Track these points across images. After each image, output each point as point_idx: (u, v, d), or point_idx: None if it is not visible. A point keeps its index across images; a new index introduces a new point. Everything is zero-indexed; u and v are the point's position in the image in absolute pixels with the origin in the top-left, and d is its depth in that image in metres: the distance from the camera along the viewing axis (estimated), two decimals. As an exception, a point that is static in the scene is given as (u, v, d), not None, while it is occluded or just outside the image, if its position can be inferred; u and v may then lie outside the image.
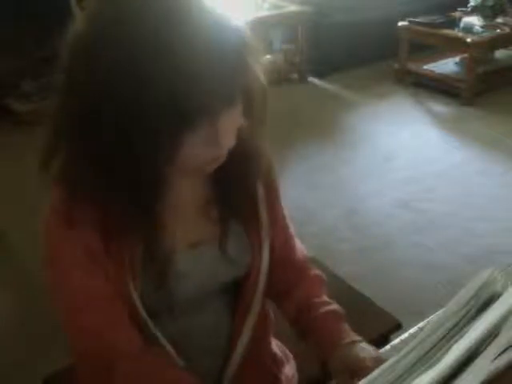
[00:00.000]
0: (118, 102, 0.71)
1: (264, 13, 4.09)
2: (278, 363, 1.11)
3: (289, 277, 1.04)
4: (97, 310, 0.84)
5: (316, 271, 1.07)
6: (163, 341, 0.89)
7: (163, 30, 0.69)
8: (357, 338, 0.94)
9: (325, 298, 1.02)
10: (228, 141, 0.78)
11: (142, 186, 0.78)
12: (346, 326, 0.97)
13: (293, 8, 4.23)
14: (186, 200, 0.90)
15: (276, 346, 1.13)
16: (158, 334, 0.89)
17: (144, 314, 0.87)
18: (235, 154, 0.84)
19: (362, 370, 0.85)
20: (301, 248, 1.08)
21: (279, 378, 1.09)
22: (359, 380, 0.73)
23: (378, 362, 0.82)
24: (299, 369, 1.15)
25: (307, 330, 0.99)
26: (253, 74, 0.79)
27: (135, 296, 0.85)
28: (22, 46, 3.77)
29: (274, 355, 1.11)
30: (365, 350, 0.91)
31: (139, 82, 0.69)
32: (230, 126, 0.77)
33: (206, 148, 0.76)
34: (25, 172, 3.18)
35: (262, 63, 0.82)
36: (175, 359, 0.91)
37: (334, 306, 1.00)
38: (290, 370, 1.13)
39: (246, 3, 3.91)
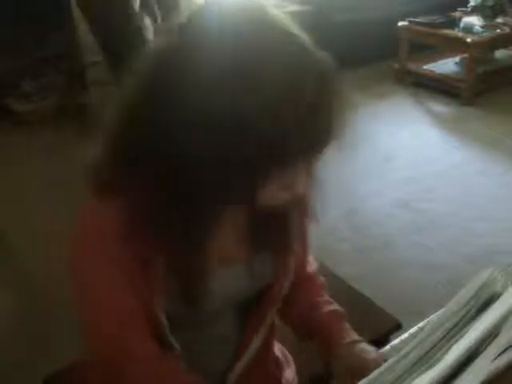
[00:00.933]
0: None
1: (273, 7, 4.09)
2: (280, 367, 1.11)
3: (296, 288, 1.04)
4: (117, 326, 0.83)
5: (317, 275, 1.07)
6: (177, 348, 0.89)
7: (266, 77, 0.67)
8: (357, 337, 0.95)
9: (326, 297, 1.03)
10: (304, 186, 0.78)
11: (197, 224, 0.78)
12: (347, 326, 0.98)
13: (293, 8, 4.23)
14: (228, 229, 0.89)
15: (278, 349, 1.14)
16: (174, 342, 0.89)
17: (166, 325, 0.86)
18: None
19: (363, 370, 0.85)
20: (312, 262, 1.09)
21: (280, 381, 1.09)
22: (359, 380, 0.73)
23: (379, 362, 0.83)
24: (299, 371, 1.15)
25: (309, 330, 1.00)
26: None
27: (160, 310, 0.84)
28: (22, 46, 3.77)
29: (277, 359, 1.11)
30: (366, 350, 0.92)
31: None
32: (305, 171, 0.78)
33: (282, 191, 0.77)
34: (25, 172, 3.19)
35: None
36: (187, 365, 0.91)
37: (335, 306, 1.01)
38: (290, 373, 1.13)
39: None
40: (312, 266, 1.08)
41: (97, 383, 0.95)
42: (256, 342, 0.98)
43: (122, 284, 0.81)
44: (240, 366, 0.98)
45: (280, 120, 0.66)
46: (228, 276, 0.91)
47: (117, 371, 0.85)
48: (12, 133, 3.60)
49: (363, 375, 0.85)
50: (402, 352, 0.66)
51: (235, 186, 0.72)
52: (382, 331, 1.31)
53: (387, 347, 0.98)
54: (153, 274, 0.81)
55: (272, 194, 0.76)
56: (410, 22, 4.17)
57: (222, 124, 0.66)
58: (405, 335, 0.99)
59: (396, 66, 4.33)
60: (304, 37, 0.76)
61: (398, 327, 1.31)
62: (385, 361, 0.84)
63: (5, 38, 3.67)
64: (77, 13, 3.79)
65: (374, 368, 0.79)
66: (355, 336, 0.95)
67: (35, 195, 2.92)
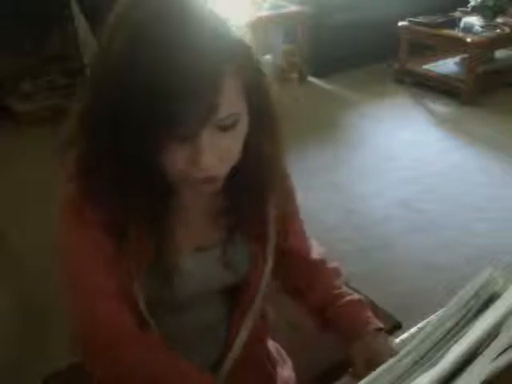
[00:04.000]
0: (108, 101, 0.74)
1: (264, 13, 4.09)
2: (272, 362, 1.12)
3: (307, 274, 1.05)
4: (97, 299, 0.86)
5: (333, 264, 1.08)
6: (156, 331, 0.91)
7: (151, 38, 0.70)
8: (380, 325, 0.96)
9: (345, 288, 1.03)
10: (212, 163, 0.75)
11: (148, 192, 0.80)
12: (370, 314, 0.98)
13: (293, 8, 4.23)
14: (196, 207, 0.91)
15: (272, 346, 1.14)
16: (152, 324, 0.90)
17: (144, 308, 0.88)
18: (246, 168, 0.84)
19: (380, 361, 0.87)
20: (317, 246, 1.09)
21: (274, 377, 1.09)
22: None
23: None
24: (298, 371, 1.15)
25: (331, 320, 1.00)
26: (248, 89, 0.77)
27: (138, 293, 0.86)
28: (22, 46, 3.77)
29: (269, 354, 1.12)
30: (385, 343, 0.93)
31: (125, 81, 0.71)
32: (214, 148, 0.75)
33: (187, 165, 0.76)
34: (25, 172, 3.19)
35: (267, 72, 0.81)
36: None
37: (357, 296, 1.01)
38: (286, 370, 1.13)
39: (246, 3, 3.91)
40: (318, 252, 1.08)
41: (97, 383, 0.95)
42: (243, 335, 0.98)
43: (96, 259, 0.84)
44: (230, 360, 0.98)
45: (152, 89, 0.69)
46: (201, 261, 0.92)
47: (101, 350, 0.86)
48: (12, 133, 3.61)
49: (375, 365, 0.87)
50: (402, 352, 0.66)
51: (130, 147, 0.75)
52: (382, 331, 1.31)
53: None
54: (126, 251, 0.84)
55: (180, 169, 0.76)
56: (410, 21, 4.17)
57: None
58: (405, 335, 0.99)
59: (396, 65, 4.33)
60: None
61: (397, 327, 1.31)
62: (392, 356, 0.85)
63: (5, 38, 3.67)
64: (77, 13, 3.79)
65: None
66: (378, 324, 0.96)
67: (35, 195, 2.92)
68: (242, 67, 0.75)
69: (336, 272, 1.07)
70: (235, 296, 0.99)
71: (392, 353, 0.89)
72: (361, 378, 0.90)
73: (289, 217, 1.01)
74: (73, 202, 0.83)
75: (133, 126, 0.72)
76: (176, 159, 0.75)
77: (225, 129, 0.75)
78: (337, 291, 1.02)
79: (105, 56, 0.76)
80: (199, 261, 0.92)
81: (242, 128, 0.79)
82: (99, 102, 0.76)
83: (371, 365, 0.87)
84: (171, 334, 0.92)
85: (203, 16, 0.73)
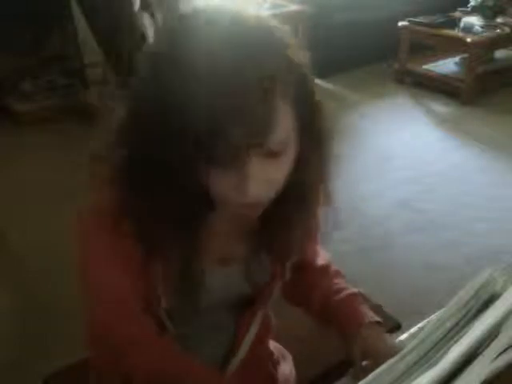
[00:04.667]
0: (151, 119, 0.71)
1: (264, 12, 4.08)
2: (274, 363, 1.12)
3: (311, 278, 1.05)
4: (116, 303, 0.85)
5: (335, 267, 1.08)
6: (173, 332, 0.91)
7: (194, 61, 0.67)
8: (377, 318, 0.96)
9: (343, 283, 1.04)
10: (258, 191, 0.71)
11: (186, 209, 0.77)
12: (366, 308, 0.99)
13: (293, 8, 4.23)
14: (229, 227, 0.89)
15: (274, 347, 1.15)
16: (170, 327, 0.91)
17: (164, 315, 0.88)
18: (289, 196, 0.80)
19: (377, 354, 0.89)
20: (323, 252, 1.09)
21: (275, 377, 1.10)
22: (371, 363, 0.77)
23: (394, 350, 0.84)
24: (298, 370, 1.15)
25: (330, 315, 1.00)
26: (300, 114, 0.73)
27: (162, 302, 0.86)
28: (22, 46, 3.77)
29: (271, 355, 1.12)
30: (382, 336, 0.93)
31: (179, 99, 0.67)
32: (262, 174, 0.71)
33: (232, 191, 0.72)
34: (25, 172, 3.19)
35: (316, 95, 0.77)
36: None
37: (356, 290, 1.02)
38: (287, 366, 1.14)
39: (245, 3, 3.91)
40: (324, 258, 1.08)
41: (97, 383, 0.95)
42: (250, 336, 0.99)
43: (122, 269, 0.82)
44: (236, 362, 0.99)
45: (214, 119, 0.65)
46: (225, 275, 0.91)
47: (119, 355, 0.86)
48: (12, 133, 3.61)
49: (375, 359, 0.87)
50: (402, 352, 0.66)
51: (175, 169, 0.72)
52: (382, 331, 1.31)
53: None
54: (154, 261, 0.82)
55: (223, 193, 0.74)
56: (410, 21, 4.17)
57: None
58: (405, 335, 0.99)
59: (396, 66, 4.33)
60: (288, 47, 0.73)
61: (397, 327, 1.31)
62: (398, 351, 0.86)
63: (5, 38, 3.67)
64: (77, 13, 3.80)
65: (388, 354, 0.81)
66: (374, 318, 0.96)
67: (35, 195, 2.92)
68: (295, 90, 0.71)
69: (338, 273, 1.07)
70: (246, 302, 0.99)
71: (388, 345, 0.91)
72: (358, 372, 0.91)
73: (311, 235, 1.00)
74: (107, 214, 0.79)
75: (179, 148, 0.69)
76: (220, 184, 0.72)
77: (274, 155, 0.71)
78: (336, 286, 1.02)
79: (147, 77, 0.72)
80: (222, 274, 0.91)
81: (291, 155, 0.74)
82: (138, 118, 0.73)
83: (368, 358, 0.90)
84: (183, 334, 0.93)
85: (248, 29, 0.70)
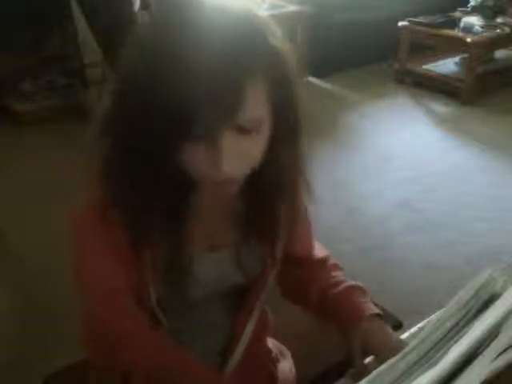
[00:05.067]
0: (130, 102, 0.74)
1: (263, 13, 4.08)
2: (273, 361, 1.12)
3: (308, 272, 1.05)
4: (108, 296, 0.87)
5: (334, 261, 1.08)
6: (166, 326, 0.92)
7: (175, 36, 0.70)
8: (377, 310, 0.96)
9: (343, 277, 1.03)
10: (231, 166, 0.74)
11: (168, 190, 0.80)
12: (368, 300, 0.98)
13: (292, 8, 4.23)
14: (214, 208, 0.91)
15: (272, 344, 1.15)
16: (162, 319, 0.92)
17: (155, 305, 0.89)
18: (266, 174, 0.83)
19: (376, 347, 0.89)
20: (320, 247, 1.10)
21: (275, 375, 1.10)
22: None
23: (395, 345, 0.86)
24: (298, 368, 1.15)
25: (330, 309, 1.00)
26: (275, 95, 0.76)
27: (152, 291, 0.87)
28: (22, 46, 3.77)
29: (270, 352, 1.12)
30: (382, 329, 0.93)
31: (151, 80, 0.71)
32: (234, 150, 0.74)
33: (207, 166, 0.75)
34: (25, 172, 3.19)
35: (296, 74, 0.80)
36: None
37: (355, 282, 1.01)
38: (286, 364, 1.14)
39: (245, 3, 3.91)
40: (321, 252, 1.09)
41: (97, 383, 0.95)
42: (246, 336, 0.99)
43: (113, 260, 0.85)
44: (233, 362, 0.99)
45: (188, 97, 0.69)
46: (214, 261, 0.92)
47: (115, 351, 0.87)
48: (12, 133, 3.61)
49: (377, 352, 0.88)
50: (402, 352, 0.66)
51: (151, 147, 0.74)
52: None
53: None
54: (144, 249, 0.84)
55: (199, 169, 0.76)
56: (410, 21, 4.17)
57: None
58: (405, 335, 0.99)
59: (396, 66, 4.33)
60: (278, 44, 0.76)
61: (398, 327, 1.31)
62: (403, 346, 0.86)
63: (5, 38, 3.67)
64: (77, 13, 3.79)
65: (389, 347, 0.83)
66: (372, 310, 0.95)
67: (35, 195, 2.92)
68: (269, 69, 0.74)
69: (336, 266, 1.07)
70: (240, 295, 1.00)
71: (390, 338, 0.91)
72: (358, 368, 0.91)
73: (299, 224, 1.00)
74: (96, 203, 0.82)
75: (154, 126, 0.72)
76: (196, 160, 0.75)
77: (246, 132, 0.74)
78: (334, 279, 1.02)
79: (127, 60, 0.76)
80: (213, 261, 0.92)
81: (264, 132, 0.77)
82: (122, 104, 0.77)
83: (369, 351, 0.91)
84: (177, 329, 0.94)
85: (231, 17, 0.73)
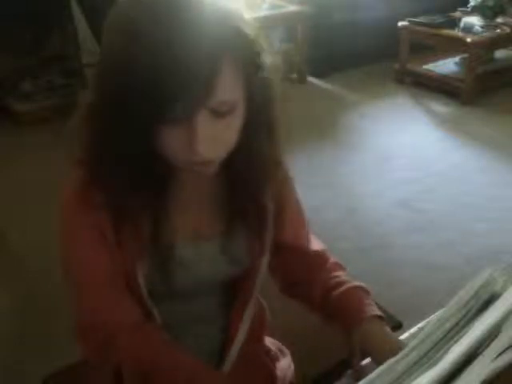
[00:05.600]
0: (109, 86, 0.76)
1: (263, 13, 4.09)
2: (272, 359, 1.12)
3: (307, 266, 1.05)
4: (98, 288, 0.89)
5: (335, 259, 1.08)
6: (158, 319, 0.93)
7: (155, 17, 0.72)
8: (378, 312, 0.96)
9: (346, 277, 1.03)
10: (207, 149, 0.76)
11: (147, 173, 0.82)
12: (370, 301, 0.98)
13: (292, 8, 4.23)
14: (192, 194, 0.92)
15: (270, 342, 1.15)
16: (155, 312, 0.92)
17: (146, 296, 0.90)
18: (243, 157, 0.85)
19: (376, 348, 0.89)
20: (318, 241, 1.10)
21: (274, 374, 1.10)
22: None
23: (395, 347, 0.85)
24: (298, 367, 1.15)
25: (332, 309, 1.00)
26: (248, 79, 0.78)
27: (140, 278, 0.88)
28: (22, 46, 3.77)
29: (269, 351, 1.12)
30: (383, 330, 0.93)
31: (128, 58, 0.73)
32: (209, 133, 0.76)
33: (182, 148, 0.77)
34: (25, 172, 3.19)
35: (268, 62, 0.81)
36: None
37: (357, 283, 1.01)
38: (285, 362, 1.14)
39: (245, 3, 3.91)
40: (317, 245, 1.09)
41: (97, 383, 0.95)
42: (242, 331, 0.99)
43: (100, 248, 0.87)
44: (230, 359, 0.99)
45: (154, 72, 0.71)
46: (202, 250, 0.93)
47: (105, 340, 0.88)
48: (12, 133, 3.61)
49: (377, 353, 0.88)
50: (402, 352, 0.66)
51: (129, 130, 0.77)
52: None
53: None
54: (128, 236, 0.86)
55: (175, 152, 0.78)
56: (410, 21, 4.17)
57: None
58: (405, 335, 0.99)
59: (396, 66, 4.33)
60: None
61: (398, 327, 1.31)
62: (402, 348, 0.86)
63: (5, 38, 3.67)
64: (77, 13, 3.80)
65: (389, 349, 0.83)
66: (374, 311, 0.95)
67: (35, 195, 2.92)
68: (241, 56, 0.76)
69: (337, 264, 1.06)
70: (233, 288, 1.00)
71: (390, 339, 0.91)
72: (356, 368, 0.91)
73: (284, 207, 1.01)
74: (80, 188, 0.85)
75: (131, 108, 0.74)
76: (172, 142, 0.77)
77: (220, 115, 0.76)
78: (336, 280, 1.02)
79: (106, 41, 0.78)
80: (199, 250, 0.93)
81: (238, 117, 0.80)
82: (101, 88, 0.79)
83: (369, 352, 0.91)
84: (169, 324, 0.94)
85: (206, 2, 0.74)
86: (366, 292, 1.00)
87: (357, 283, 1.01)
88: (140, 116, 0.74)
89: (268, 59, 0.82)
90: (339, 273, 1.04)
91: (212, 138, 0.77)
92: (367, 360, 0.93)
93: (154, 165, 0.81)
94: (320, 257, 1.06)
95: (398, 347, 0.85)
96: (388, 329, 0.94)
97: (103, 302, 0.89)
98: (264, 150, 0.88)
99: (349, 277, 1.04)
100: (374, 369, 0.65)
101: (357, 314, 0.95)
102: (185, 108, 0.73)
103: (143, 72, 0.71)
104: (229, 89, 0.76)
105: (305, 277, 1.04)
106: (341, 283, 1.01)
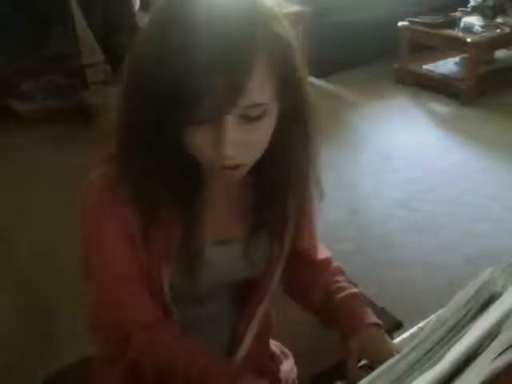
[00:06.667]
0: (142, 84, 0.76)
1: (270, 2, 4.08)
2: (276, 361, 1.13)
3: (310, 273, 1.05)
4: (121, 284, 0.87)
5: (336, 263, 1.08)
6: (177, 318, 0.93)
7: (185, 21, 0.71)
8: (377, 320, 0.96)
9: (343, 282, 1.04)
10: (235, 151, 0.75)
11: (181, 176, 0.82)
12: (367, 309, 0.99)
13: (292, 8, 4.23)
14: (224, 199, 0.92)
15: (273, 345, 1.14)
16: (175, 312, 0.92)
17: (168, 294, 0.89)
18: (274, 165, 0.84)
19: (373, 355, 0.89)
20: (323, 247, 1.10)
21: (278, 377, 1.10)
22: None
23: (391, 352, 0.86)
24: (299, 368, 1.15)
25: (331, 315, 1.00)
26: (282, 83, 0.76)
27: (165, 280, 0.88)
28: (22, 46, 3.77)
29: (273, 354, 1.13)
30: (381, 338, 0.93)
31: (157, 64, 0.72)
32: (238, 136, 0.74)
33: (211, 151, 0.76)
34: (25, 172, 3.19)
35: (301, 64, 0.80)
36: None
37: (353, 290, 1.02)
38: (288, 364, 1.14)
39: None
40: (324, 253, 1.09)
41: (97, 383, 0.95)
42: (249, 336, 0.99)
43: (126, 246, 0.85)
44: (238, 359, 0.99)
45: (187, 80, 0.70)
46: (224, 253, 0.93)
47: (122, 337, 0.87)
48: (12, 133, 3.60)
49: (374, 360, 0.88)
50: (402, 352, 0.66)
51: (161, 130, 0.76)
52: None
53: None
54: (155, 235, 0.85)
55: (203, 153, 0.77)
56: (409, 21, 4.17)
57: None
58: (405, 335, 0.99)
59: (396, 66, 4.33)
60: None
61: (398, 327, 1.31)
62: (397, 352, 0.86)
63: (5, 38, 3.67)
64: (77, 13, 3.79)
65: (386, 356, 0.82)
66: (375, 319, 0.96)
67: (35, 195, 2.92)
68: (274, 57, 0.74)
69: (338, 269, 1.07)
70: (245, 291, 1.00)
71: (387, 346, 0.91)
72: (353, 372, 0.91)
73: (306, 217, 1.01)
74: (106, 187, 0.84)
75: (163, 108, 0.73)
76: (201, 144, 0.76)
77: (250, 119, 0.75)
78: (337, 285, 1.02)
79: (139, 43, 0.77)
80: (222, 252, 0.92)
81: (269, 121, 0.78)
82: (131, 85, 0.78)
83: (366, 358, 0.91)
84: (185, 324, 0.94)
85: (235, 4, 0.73)
86: (362, 299, 1.01)
87: (356, 290, 1.02)
88: (169, 116, 0.73)
89: (299, 55, 0.80)
90: (340, 277, 1.04)
91: (241, 142, 0.75)
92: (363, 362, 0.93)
93: (187, 167, 0.81)
94: (324, 262, 1.07)
95: (394, 354, 0.86)
96: (386, 335, 0.95)
97: (125, 298, 0.88)
98: (298, 156, 0.86)
99: (347, 281, 1.04)
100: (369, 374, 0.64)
101: (355, 321, 0.95)
102: (213, 109, 0.72)
103: (172, 74, 0.70)
104: (261, 91, 0.74)
105: (307, 280, 1.05)
106: (341, 289, 1.01)
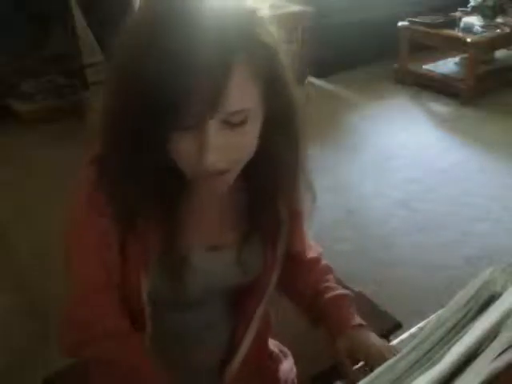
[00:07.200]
0: (123, 88, 0.76)
1: (262, 10, 4.08)
2: (275, 361, 1.12)
3: (299, 272, 1.06)
4: (93, 291, 0.86)
5: (325, 261, 1.08)
6: (149, 329, 0.91)
7: (163, 25, 0.71)
8: (361, 322, 0.96)
9: (331, 282, 1.04)
10: (217, 158, 0.74)
11: (161, 182, 0.81)
12: (353, 310, 0.99)
13: (293, 8, 4.22)
14: (211, 206, 0.91)
15: (273, 345, 1.14)
16: (149, 325, 0.90)
17: (146, 304, 0.88)
18: (262, 170, 0.84)
19: (364, 356, 0.89)
20: (315, 246, 1.10)
21: (277, 376, 1.10)
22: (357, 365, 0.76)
23: (384, 353, 0.86)
24: (299, 368, 1.15)
25: (319, 314, 1.00)
26: (265, 87, 0.76)
27: (143, 290, 0.86)
28: (22, 46, 3.76)
29: (272, 353, 1.12)
30: (373, 337, 0.94)
31: (138, 70, 0.72)
32: (220, 142, 0.73)
33: (193, 157, 0.75)
34: (25, 172, 3.19)
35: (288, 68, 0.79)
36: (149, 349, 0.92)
37: (341, 291, 1.02)
38: (287, 364, 1.14)
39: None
40: (315, 251, 1.09)
41: (97, 383, 0.95)
42: (248, 337, 0.99)
43: (102, 253, 0.84)
44: (236, 362, 0.99)
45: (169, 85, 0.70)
46: (215, 261, 0.92)
47: (85, 341, 0.87)
48: (12, 133, 3.60)
49: (364, 358, 0.89)
50: (402, 352, 0.66)
51: (143, 136, 0.75)
52: (382, 331, 1.31)
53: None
54: (133, 242, 0.84)
55: (185, 160, 0.77)
56: (410, 21, 4.17)
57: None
58: (405, 335, 0.99)
59: (396, 66, 4.33)
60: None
61: (398, 327, 1.31)
62: (392, 350, 0.86)
63: (5, 38, 3.67)
64: (77, 13, 3.79)
65: (377, 351, 0.83)
66: (361, 321, 0.96)
67: (35, 195, 2.92)
68: (258, 63, 0.74)
69: (327, 268, 1.07)
70: (242, 295, 0.99)
71: (376, 342, 0.92)
72: (347, 371, 0.91)
73: (297, 221, 1.01)
74: (90, 183, 0.82)
75: (144, 114, 0.73)
76: (184, 150, 0.75)
77: (233, 125, 0.74)
78: (325, 284, 1.02)
79: (119, 50, 0.77)
80: (212, 260, 0.92)
81: (254, 127, 0.77)
82: (113, 93, 0.79)
83: (356, 357, 0.91)
84: (175, 331, 0.94)
85: (220, 12, 0.73)
86: (351, 300, 1.01)
87: (343, 291, 1.02)
88: (151, 122, 0.73)
89: (287, 64, 0.79)
90: (329, 276, 1.05)
91: (224, 147, 0.74)
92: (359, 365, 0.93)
93: (167, 175, 0.80)
94: (313, 260, 1.07)
95: (386, 349, 0.86)
96: (373, 334, 0.95)
97: (94, 305, 0.87)
98: (287, 160, 0.85)
99: (341, 278, 1.06)
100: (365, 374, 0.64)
101: (342, 322, 0.96)
102: (194, 115, 0.71)
103: (154, 80, 0.70)
104: (241, 96, 0.73)
105: (297, 277, 1.05)
106: (329, 289, 1.01)
